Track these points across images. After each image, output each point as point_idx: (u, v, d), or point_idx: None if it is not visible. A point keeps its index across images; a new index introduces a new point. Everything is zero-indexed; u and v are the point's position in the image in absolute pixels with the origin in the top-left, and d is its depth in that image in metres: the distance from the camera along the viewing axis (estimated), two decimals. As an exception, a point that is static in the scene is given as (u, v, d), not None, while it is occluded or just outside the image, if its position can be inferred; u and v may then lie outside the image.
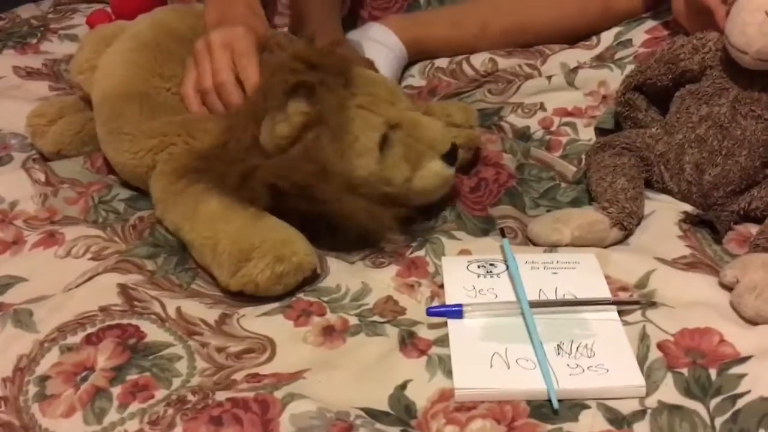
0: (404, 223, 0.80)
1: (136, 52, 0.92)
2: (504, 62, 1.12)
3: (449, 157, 0.81)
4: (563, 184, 0.90)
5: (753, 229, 0.79)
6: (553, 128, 0.99)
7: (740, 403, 0.61)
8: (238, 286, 0.74)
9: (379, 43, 1.12)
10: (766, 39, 0.75)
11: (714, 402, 0.61)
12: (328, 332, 0.71)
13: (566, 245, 0.79)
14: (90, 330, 0.71)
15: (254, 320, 0.72)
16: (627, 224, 0.80)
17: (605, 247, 0.79)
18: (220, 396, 0.63)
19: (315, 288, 0.76)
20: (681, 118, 0.83)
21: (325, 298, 0.75)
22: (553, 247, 0.80)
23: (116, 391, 0.65)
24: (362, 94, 0.78)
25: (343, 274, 0.78)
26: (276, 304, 0.74)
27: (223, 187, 0.76)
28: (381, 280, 0.76)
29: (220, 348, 0.69)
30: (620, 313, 0.70)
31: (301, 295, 0.75)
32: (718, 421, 0.60)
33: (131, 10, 1.12)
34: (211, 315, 0.73)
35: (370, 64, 0.86)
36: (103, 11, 1.31)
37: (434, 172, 0.80)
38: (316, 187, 0.74)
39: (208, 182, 0.77)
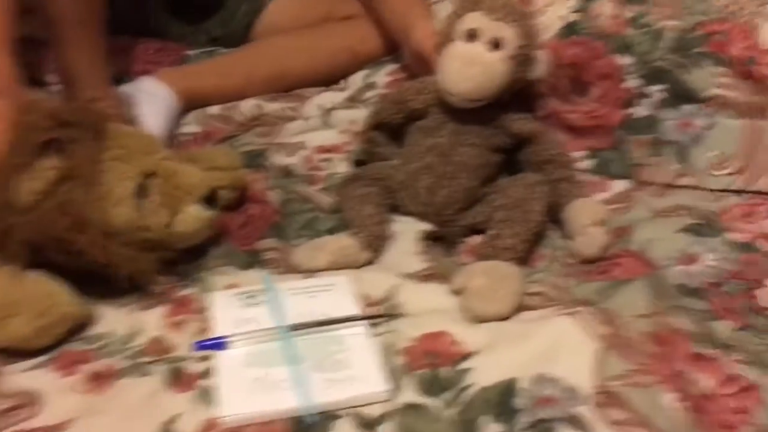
0: (173, 264, 0.77)
1: None
2: (269, 106, 1.11)
3: (208, 200, 0.79)
4: (322, 215, 0.90)
5: (480, 239, 0.83)
6: (314, 164, 0.99)
7: (467, 396, 0.63)
8: (3, 342, 0.67)
9: (151, 95, 1.07)
10: (467, 83, 0.79)
11: (446, 396, 0.63)
12: (95, 378, 0.66)
13: (324, 269, 0.79)
14: None
15: (20, 376, 0.66)
16: (376, 246, 0.81)
17: (358, 268, 0.80)
18: (-19, 459, 0.57)
19: (83, 336, 0.71)
20: (413, 149, 0.86)
21: (94, 345, 0.70)
22: (312, 272, 0.79)
23: None
24: (116, 147, 0.74)
25: (114, 319, 0.73)
26: (44, 357, 0.68)
27: None
28: (149, 321, 0.72)
29: (-16, 409, 0.63)
30: (371, 326, 0.71)
31: (69, 345, 0.70)
32: (451, 413, 0.62)
33: None
34: (-25, 376, 0.66)
35: (127, 120, 0.81)
36: None
37: (193, 216, 0.77)
38: (73, 239, 0.69)
39: None
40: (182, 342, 0.70)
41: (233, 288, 0.77)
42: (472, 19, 0.80)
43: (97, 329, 0.72)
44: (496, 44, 0.79)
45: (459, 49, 0.80)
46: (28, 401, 0.64)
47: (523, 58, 0.81)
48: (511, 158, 0.87)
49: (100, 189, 0.71)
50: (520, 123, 0.84)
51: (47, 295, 0.68)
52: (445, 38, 0.82)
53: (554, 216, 0.83)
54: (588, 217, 0.78)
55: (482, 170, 0.84)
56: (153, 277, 0.74)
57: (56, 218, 0.69)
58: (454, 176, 0.83)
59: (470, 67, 0.78)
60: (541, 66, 0.84)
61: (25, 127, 0.71)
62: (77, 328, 0.71)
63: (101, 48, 1.05)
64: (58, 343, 0.69)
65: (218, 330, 0.70)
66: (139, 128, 0.81)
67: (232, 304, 0.74)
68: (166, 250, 0.76)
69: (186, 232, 0.78)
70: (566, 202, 0.81)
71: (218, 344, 0.68)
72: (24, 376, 0.66)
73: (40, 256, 0.70)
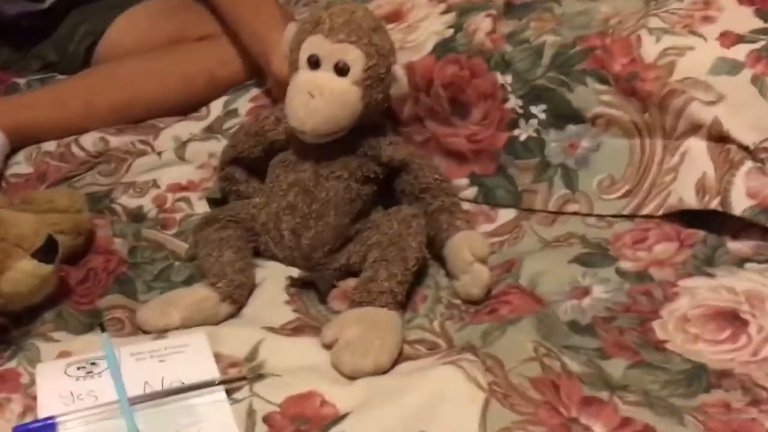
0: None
1: None
2: (116, 140, 1.08)
3: (45, 252, 0.76)
4: (177, 263, 0.88)
5: (354, 283, 0.82)
6: (168, 205, 0.97)
7: (337, 464, 0.62)
8: None
9: (-30, 132, 1.03)
10: (315, 118, 0.78)
11: (313, 468, 0.62)
12: None
13: (177, 328, 0.77)
14: None
15: None
16: (237, 297, 0.79)
17: (218, 324, 0.78)
18: None
19: None
20: (274, 187, 0.85)
21: None
22: (163, 332, 0.76)
23: None
24: None
25: None
26: None
27: None
28: (-38, 404, 0.68)
29: None
30: (229, 391, 0.69)
31: None
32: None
33: None
34: None
35: None
36: None
37: (26, 272, 0.75)
38: None
39: None
40: (2, 426, 0.66)
41: (66, 357, 0.73)
42: (313, 44, 0.80)
43: None
44: (341, 69, 0.79)
45: (302, 79, 0.79)
46: None
47: (375, 79, 0.80)
48: (390, 188, 0.87)
49: None
50: (390, 149, 0.84)
51: None
52: (290, 67, 0.82)
53: (436, 251, 0.84)
54: (471, 253, 0.79)
55: (351, 205, 0.83)
56: None
57: None
58: (320, 215, 0.82)
59: (314, 99, 0.78)
60: (400, 83, 0.83)
61: None
62: None
63: None
64: None
65: (46, 409, 0.67)
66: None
67: (64, 376, 0.70)
68: None
69: (18, 292, 0.75)
70: (447, 237, 0.82)
71: (46, 426, 0.64)
72: None
73: None
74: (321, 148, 0.82)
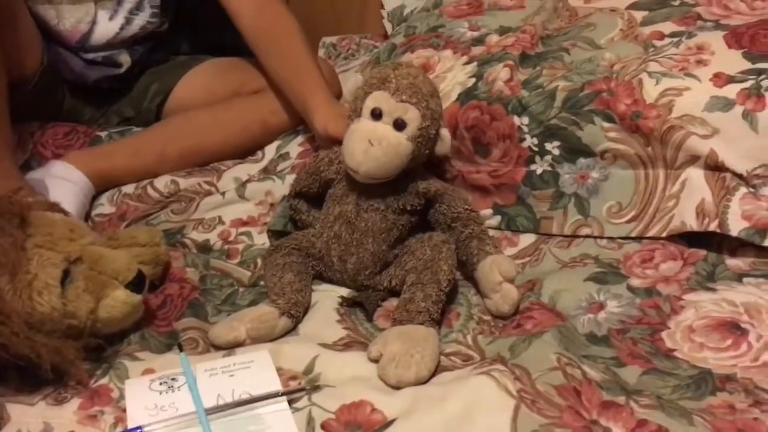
0: (92, 352, 0.75)
1: None
2: (185, 182, 1.10)
3: (136, 284, 0.79)
4: (241, 289, 0.89)
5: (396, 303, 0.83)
6: (231, 238, 0.99)
7: (388, 464, 0.63)
8: None
9: (62, 179, 1.06)
10: (371, 163, 0.80)
11: (368, 468, 0.63)
12: (6, 485, 0.63)
13: (243, 340, 0.78)
14: None
15: None
16: (294, 312, 0.81)
17: (279, 337, 0.80)
18: None
19: (-9, 441, 0.68)
20: (325, 219, 0.87)
21: (4, 448, 0.67)
22: (233, 346, 0.78)
23: None
24: (40, 234, 0.75)
25: (24, 417, 0.70)
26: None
27: None
28: (62, 416, 0.70)
29: None
30: (291, 401, 0.70)
31: (-25, 451, 0.66)
32: (374, 486, 0.61)
33: None
34: None
35: (52, 206, 0.82)
36: None
37: (120, 300, 0.78)
38: None
39: None
40: (97, 436, 0.68)
41: (149, 373, 0.75)
42: (378, 98, 0.81)
43: (7, 430, 0.68)
44: (400, 125, 0.81)
45: (363, 127, 0.81)
46: None
47: (425, 138, 0.82)
48: (425, 218, 0.88)
49: (24, 278, 0.70)
50: (426, 183, 0.85)
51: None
52: (352, 113, 0.84)
53: (468, 274, 0.85)
54: (500, 273, 0.79)
55: (388, 234, 0.84)
56: (78, 366, 0.72)
57: None
58: (360, 243, 0.84)
59: (373, 147, 0.79)
60: (445, 144, 0.86)
61: None
62: (-15, 431, 0.68)
63: (6, 138, 1.03)
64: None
65: (134, 420, 0.68)
66: (64, 214, 0.81)
67: (149, 390, 0.72)
68: (92, 337, 0.75)
69: (113, 318, 0.77)
70: (478, 261, 0.82)
71: (134, 435, 0.66)
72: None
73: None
74: (363, 186, 0.84)
